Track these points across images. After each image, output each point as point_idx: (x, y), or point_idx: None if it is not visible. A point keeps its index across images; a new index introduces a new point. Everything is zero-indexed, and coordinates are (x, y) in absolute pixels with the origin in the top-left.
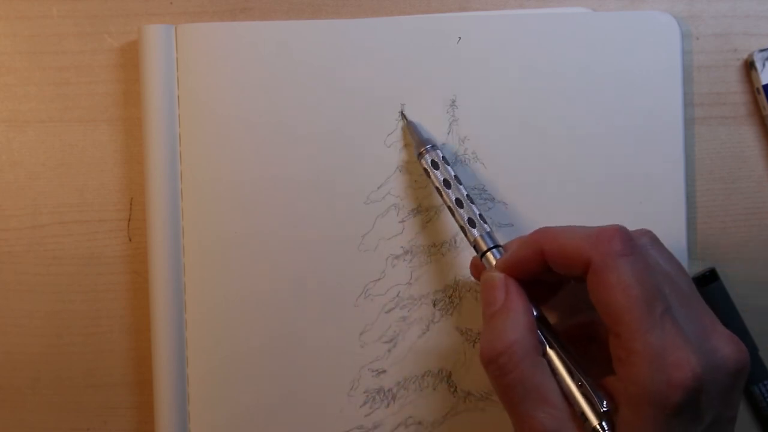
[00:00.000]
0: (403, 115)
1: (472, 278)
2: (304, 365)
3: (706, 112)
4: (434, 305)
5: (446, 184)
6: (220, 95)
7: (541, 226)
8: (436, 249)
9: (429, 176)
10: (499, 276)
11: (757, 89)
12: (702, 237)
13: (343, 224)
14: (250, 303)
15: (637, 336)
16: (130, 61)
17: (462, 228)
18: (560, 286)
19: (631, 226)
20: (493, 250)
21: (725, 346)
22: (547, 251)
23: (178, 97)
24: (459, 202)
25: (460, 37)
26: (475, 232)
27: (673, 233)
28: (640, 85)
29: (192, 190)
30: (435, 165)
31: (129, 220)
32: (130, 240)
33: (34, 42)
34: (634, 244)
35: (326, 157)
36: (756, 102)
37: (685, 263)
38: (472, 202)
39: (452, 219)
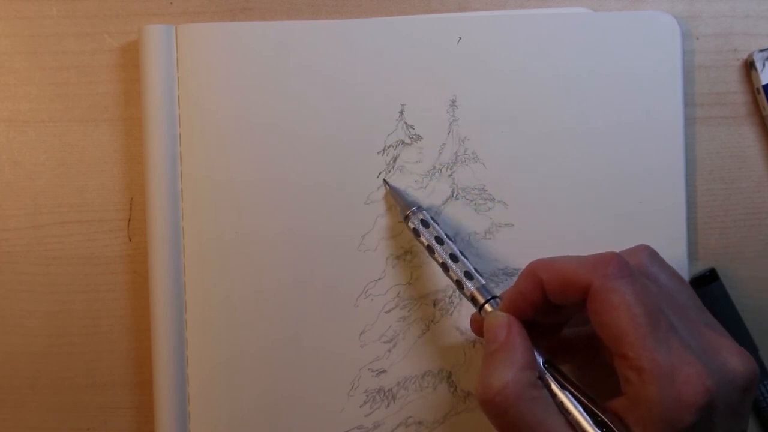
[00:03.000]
0: (385, 182)
1: None
2: (305, 365)
3: (706, 112)
4: (434, 305)
5: (438, 240)
6: (220, 95)
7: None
8: None
9: (418, 236)
10: (502, 315)
11: (757, 89)
12: (702, 237)
13: (343, 224)
14: (250, 303)
15: (643, 355)
16: (130, 61)
17: (457, 282)
18: (560, 328)
19: (631, 226)
20: (491, 301)
21: (733, 359)
22: (545, 280)
23: (178, 97)
24: (453, 257)
25: (460, 37)
26: (471, 285)
27: (673, 233)
28: (640, 85)
29: (192, 191)
30: (425, 224)
31: (129, 220)
32: (130, 240)
33: (34, 42)
34: (631, 268)
35: (326, 157)
36: (756, 102)
37: (685, 263)
38: (465, 257)
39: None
